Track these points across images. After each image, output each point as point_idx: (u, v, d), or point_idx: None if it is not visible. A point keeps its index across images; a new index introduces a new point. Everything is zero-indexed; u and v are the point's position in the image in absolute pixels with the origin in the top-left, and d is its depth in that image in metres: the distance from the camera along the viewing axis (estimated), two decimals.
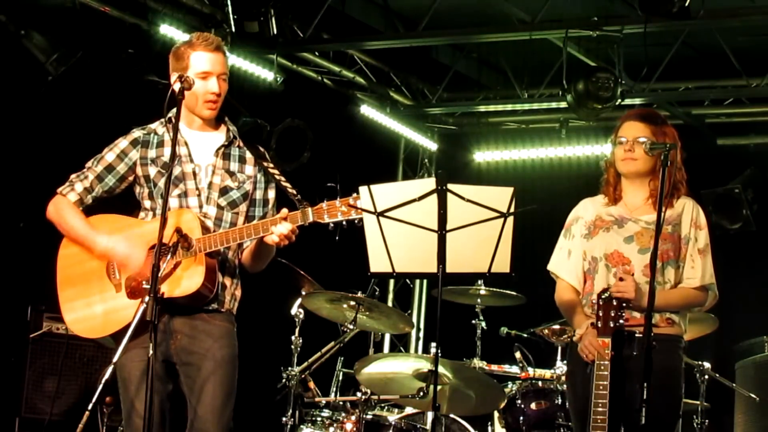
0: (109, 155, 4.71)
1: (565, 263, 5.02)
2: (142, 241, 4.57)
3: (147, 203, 4.68)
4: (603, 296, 4.65)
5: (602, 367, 4.60)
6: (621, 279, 4.76)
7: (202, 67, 4.60)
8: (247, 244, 4.65)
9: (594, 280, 4.94)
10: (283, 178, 4.65)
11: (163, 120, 4.69)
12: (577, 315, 4.96)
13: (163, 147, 4.66)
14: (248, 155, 4.74)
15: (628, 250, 4.88)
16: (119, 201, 4.79)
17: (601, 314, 4.63)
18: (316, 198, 4.46)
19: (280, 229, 4.45)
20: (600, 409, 4.56)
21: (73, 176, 4.73)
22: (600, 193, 5.08)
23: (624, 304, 4.64)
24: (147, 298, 4.20)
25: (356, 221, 4.47)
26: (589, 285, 4.97)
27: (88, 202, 4.70)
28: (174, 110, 4.61)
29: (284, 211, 4.49)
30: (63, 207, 4.68)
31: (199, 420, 4.52)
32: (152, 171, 4.66)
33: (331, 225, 4.44)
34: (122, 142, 4.72)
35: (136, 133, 4.74)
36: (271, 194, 4.77)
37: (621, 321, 4.61)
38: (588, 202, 5.09)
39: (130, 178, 4.71)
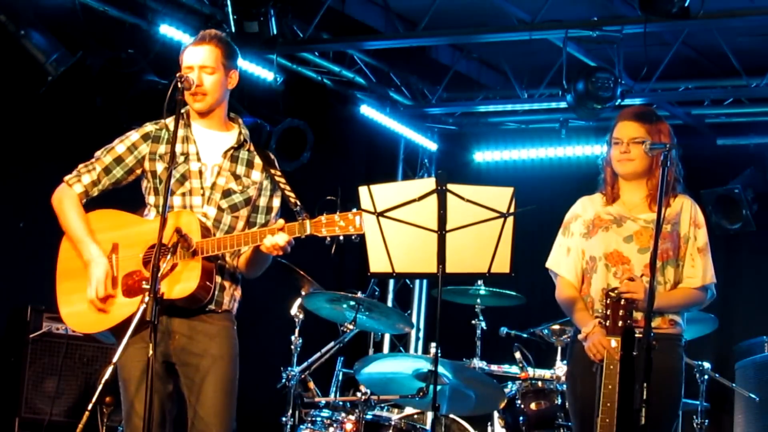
0: (120, 147, 4.70)
1: (564, 260, 5.00)
2: (142, 241, 4.57)
3: (151, 199, 4.68)
4: (611, 295, 4.61)
5: (611, 367, 4.56)
6: (631, 279, 4.72)
7: (186, 61, 4.65)
8: (244, 249, 4.64)
9: (592, 279, 4.92)
10: (288, 187, 4.63)
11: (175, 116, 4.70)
12: (580, 312, 4.91)
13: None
14: (257, 160, 4.72)
15: (627, 250, 4.86)
16: (126, 192, 4.79)
17: (609, 313, 4.59)
18: (315, 211, 4.45)
19: (275, 240, 4.44)
20: (608, 409, 4.52)
21: (81, 166, 4.72)
22: (598, 192, 5.07)
23: (632, 305, 4.60)
24: (147, 299, 4.21)
25: (353, 237, 4.45)
26: (586, 285, 4.95)
27: (93, 194, 4.69)
28: (187, 108, 4.64)
29: (281, 221, 4.49)
30: (66, 200, 4.66)
31: (200, 421, 4.52)
32: (159, 167, 4.66)
33: (328, 239, 4.44)
34: (133, 135, 4.72)
35: (149, 127, 4.74)
36: (276, 203, 4.75)
37: (630, 321, 4.57)
38: (587, 200, 5.07)
39: (138, 171, 4.71)
